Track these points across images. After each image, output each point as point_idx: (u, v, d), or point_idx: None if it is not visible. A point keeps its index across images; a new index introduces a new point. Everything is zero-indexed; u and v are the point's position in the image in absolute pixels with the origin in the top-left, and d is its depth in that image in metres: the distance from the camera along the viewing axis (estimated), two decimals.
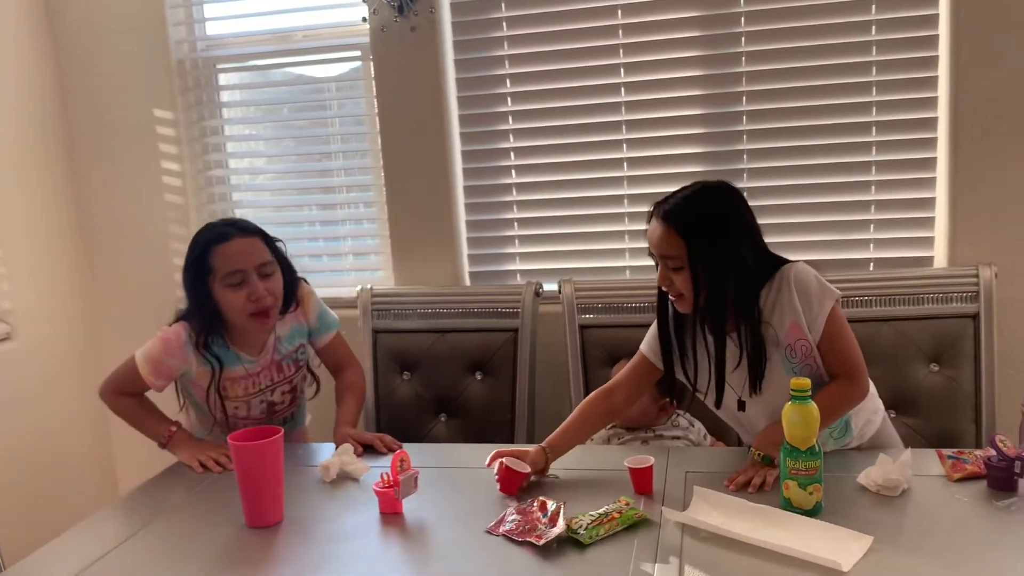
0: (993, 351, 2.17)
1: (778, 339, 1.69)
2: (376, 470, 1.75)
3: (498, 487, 1.68)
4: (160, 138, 2.87)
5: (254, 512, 1.60)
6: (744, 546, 1.40)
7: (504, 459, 1.69)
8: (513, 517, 1.53)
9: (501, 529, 1.51)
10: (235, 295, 1.92)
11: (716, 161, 2.52)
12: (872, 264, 2.48)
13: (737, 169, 2.51)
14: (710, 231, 1.66)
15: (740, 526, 1.44)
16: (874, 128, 2.43)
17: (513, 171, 2.69)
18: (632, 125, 2.58)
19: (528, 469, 1.68)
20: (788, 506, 1.51)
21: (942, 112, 2.37)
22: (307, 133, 2.94)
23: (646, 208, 2.58)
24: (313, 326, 2.14)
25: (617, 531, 1.48)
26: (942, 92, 2.36)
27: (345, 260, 2.95)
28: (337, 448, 1.90)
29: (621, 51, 2.55)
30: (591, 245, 2.67)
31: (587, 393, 2.37)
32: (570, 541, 1.45)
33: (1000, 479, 1.54)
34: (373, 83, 2.71)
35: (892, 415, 2.13)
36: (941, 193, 2.40)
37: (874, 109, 2.42)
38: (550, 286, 2.54)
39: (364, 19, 2.63)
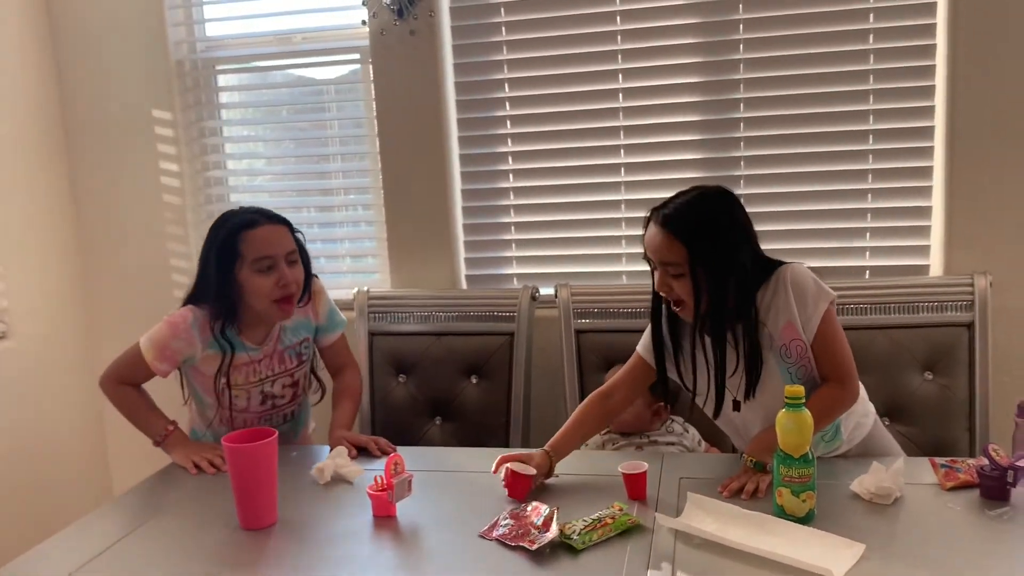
0: (988, 360, 2.18)
1: (772, 340, 1.70)
2: (370, 473, 1.75)
3: (506, 492, 1.67)
4: (159, 138, 2.87)
5: (248, 514, 1.60)
6: (737, 553, 1.40)
7: (510, 464, 1.68)
8: (506, 522, 1.53)
9: (494, 534, 1.51)
10: (263, 280, 1.93)
11: (713, 167, 2.53)
12: (868, 272, 2.48)
13: (734, 176, 2.52)
14: (710, 236, 1.66)
15: (733, 533, 1.44)
16: (871, 136, 2.44)
17: (511, 175, 2.70)
18: (630, 131, 2.58)
19: (534, 472, 1.68)
20: (781, 513, 1.51)
21: (939, 121, 2.37)
22: (306, 135, 2.94)
23: (643, 214, 2.59)
24: (321, 323, 2.15)
25: (610, 537, 1.48)
26: (939, 101, 2.37)
27: (342, 262, 2.96)
28: (332, 451, 1.90)
29: (619, 57, 2.56)
30: (588, 250, 2.67)
31: (583, 398, 2.38)
32: (563, 546, 1.46)
33: (993, 488, 1.55)
34: (372, 86, 2.71)
35: (886, 423, 2.14)
36: (937, 201, 2.41)
37: (871, 117, 2.43)
38: (546, 290, 2.55)
39: (364, 22, 2.63)
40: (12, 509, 2.66)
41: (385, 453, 1.95)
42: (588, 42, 2.57)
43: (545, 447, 1.77)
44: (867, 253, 2.49)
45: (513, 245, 2.74)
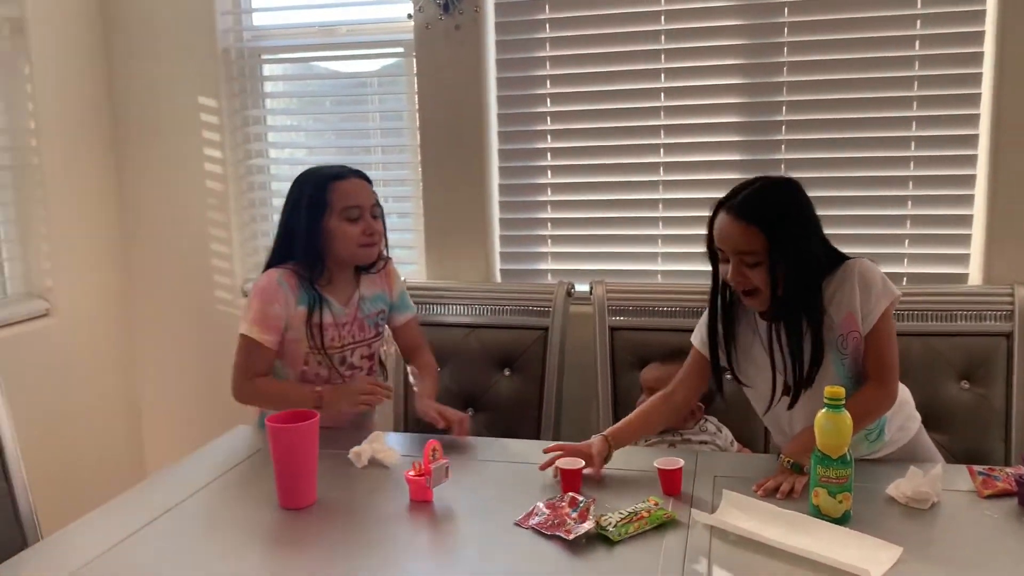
0: None
1: (832, 330, 1.71)
2: (407, 459, 1.77)
3: (560, 486, 1.67)
4: (204, 125, 2.92)
5: (288, 493, 1.63)
6: (772, 551, 1.40)
7: (558, 463, 1.69)
8: (543, 511, 1.55)
9: (530, 522, 1.53)
10: (351, 227, 2.01)
11: (753, 169, 2.50)
12: (905, 279, 2.47)
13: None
14: (785, 224, 1.68)
15: (769, 531, 1.45)
16: (913, 143, 2.43)
17: (549, 171, 2.71)
18: (670, 130, 2.59)
19: (582, 464, 1.68)
20: (817, 513, 1.51)
21: (983, 129, 2.36)
22: (347, 126, 2.97)
23: (681, 213, 2.62)
24: (395, 301, 2.20)
25: (646, 530, 1.49)
26: (984, 109, 2.35)
27: None
28: (371, 435, 1.93)
29: (663, 56, 2.56)
30: (624, 248, 2.68)
31: (615, 395, 2.41)
32: (599, 537, 1.47)
33: None
34: (415, 79, 2.74)
35: None
36: (979, 210, 2.39)
37: (914, 124, 2.42)
38: (581, 287, 2.56)
39: (409, 15, 2.66)
40: (49, 482, 2.71)
41: (463, 434, 1.99)
42: (631, 41, 2.57)
43: (604, 433, 1.79)
44: (905, 260, 2.48)
45: (549, 240, 2.75)
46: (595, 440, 1.76)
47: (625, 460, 1.82)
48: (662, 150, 2.61)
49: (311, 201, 2.01)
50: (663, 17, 2.54)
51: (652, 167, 2.62)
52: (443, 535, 1.55)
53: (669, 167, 2.61)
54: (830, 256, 1.75)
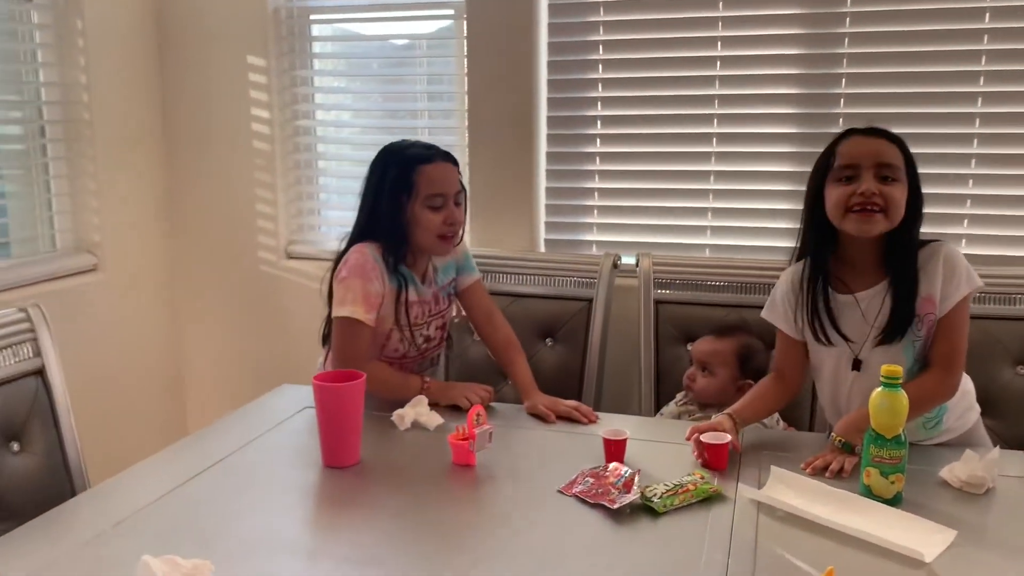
0: None
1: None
2: (450, 423, 1.77)
3: (701, 463, 1.64)
4: (252, 85, 2.91)
5: (332, 452, 1.63)
6: (821, 529, 1.38)
7: (702, 436, 1.65)
8: (586, 480, 1.54)
9: (574, 490, 1.52)
10: (434, 216, 1.95)
11: (810, 143, 2.45)
12: None
13: None
14: (913, 160, 1.70)
15: (818, 509, 1.42)
16: (978, 119, 2.36)
17: (598, 140, 2.67)
18: (725, 100, 2.53)
19: (729, 438, 1.64)
20: (868, 493, 1.48)
21: None
22: (395, 89, 2.95)
23: (732, 186, 2.57)
24: (461, 263, 2.14)
25: (691, 503, 1.47)
26: None
27: None
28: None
29: (720, 24, 2.50)
30: (671, 220, 2.64)
31: (658, 368, 2.38)
32: (643, 508, 1.45)
33: None
34: (465, 43, 2.70)
35: None
36: None
37: (980, 100, 2.34)
38: (626, 259, 2.52)
39: None
40: (98, 433, 2.75)
41: (591, 421, 1.89)
42: (688, 7, 2.51)
43: (727, 411, 1.76)
44: (963, 240, 2.41)
45: (595, 211, 2.72)
46: (722, 419, 1.73)
47: (669, 434, 1.80)
48: (716, 120, 2.55)
49: (395, 184, 1.95)
50: None
51: (705, 138, 2.57)
52: (485, 500, 1.54)
53: (723, 138, 2.55)
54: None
